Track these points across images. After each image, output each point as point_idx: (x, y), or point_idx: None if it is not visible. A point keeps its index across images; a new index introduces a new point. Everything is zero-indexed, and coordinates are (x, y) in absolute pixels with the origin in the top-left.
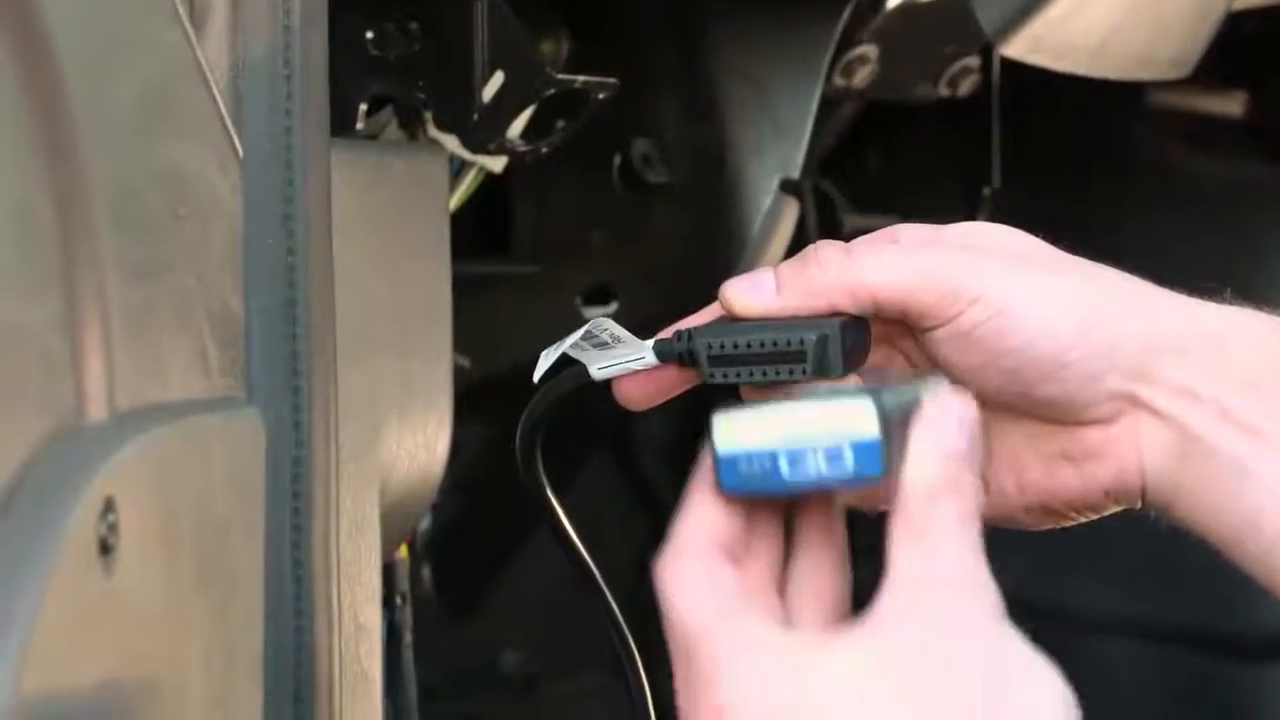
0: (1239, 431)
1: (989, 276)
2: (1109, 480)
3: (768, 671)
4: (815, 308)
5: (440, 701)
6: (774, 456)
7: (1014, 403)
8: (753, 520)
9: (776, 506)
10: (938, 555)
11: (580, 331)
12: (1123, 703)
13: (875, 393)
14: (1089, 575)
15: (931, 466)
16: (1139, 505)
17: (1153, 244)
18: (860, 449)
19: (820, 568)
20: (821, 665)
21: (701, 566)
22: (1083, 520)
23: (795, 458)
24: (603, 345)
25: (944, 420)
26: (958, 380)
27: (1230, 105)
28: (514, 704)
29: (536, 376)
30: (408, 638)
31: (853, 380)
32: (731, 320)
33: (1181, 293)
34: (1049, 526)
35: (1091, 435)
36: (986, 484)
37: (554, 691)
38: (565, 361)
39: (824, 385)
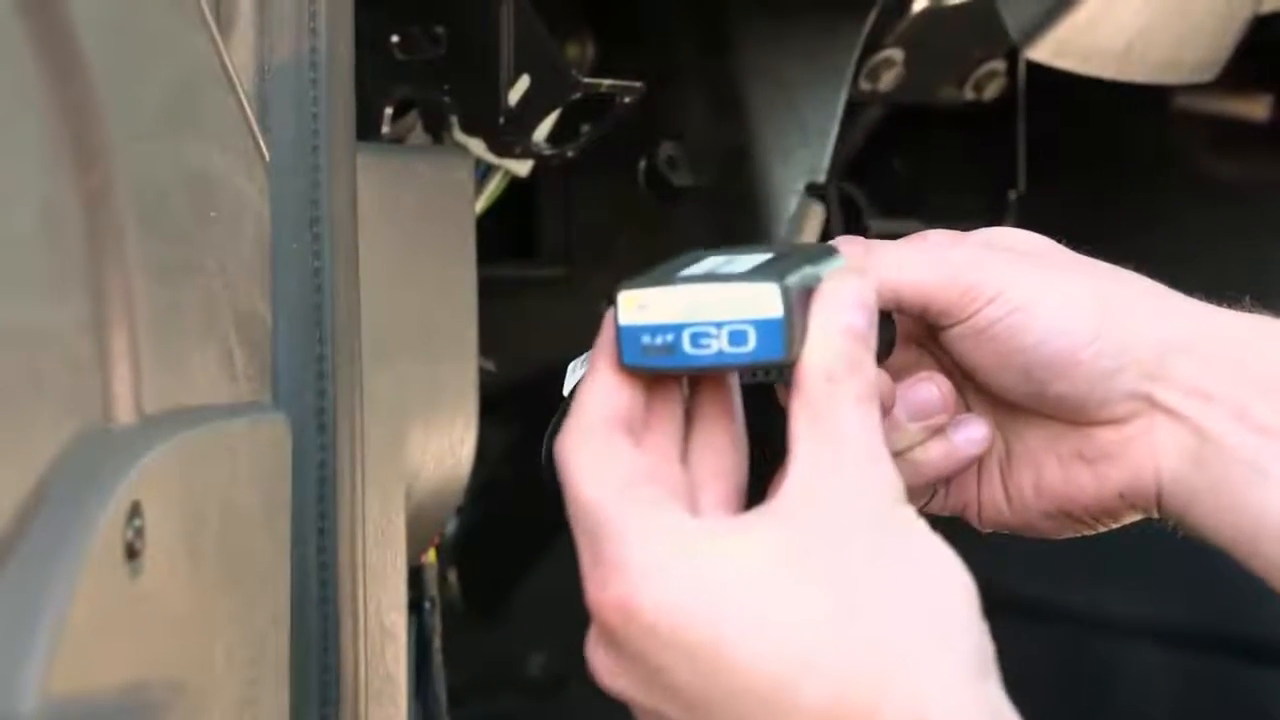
0: (1256, 433)
1: (1006, 275)
2: (1124, 483)
3: (672, 554)
4: None
5: (468, 704)
6: (677, 332)
7: (1030, 402)
8: (653, 395)
9: (676, 381)
10: (837, 437)
11: None
12: (1149, 707)
13: (782, 276)
14: (1117, 580)
15: (830, 348)
16: (1154, 511)
17: (1179, 247)
18: (763, 329)
19: (718, 445)
20: (725, 548)
21: (604, 445)
22: (1102, 529)
23: (698, 335)
24: None
25: (842, 300)
26: (975, 379)
27: (1257, 109)
28: (542, 706)
29: (566, 389)
30: (437, 642)
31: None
32: None
33: (1203, 298)
34: (1070, 534)
35: (1107, 435)
36: (1007, 488)
37: (582, 693)
38: None
39: (739, 260)
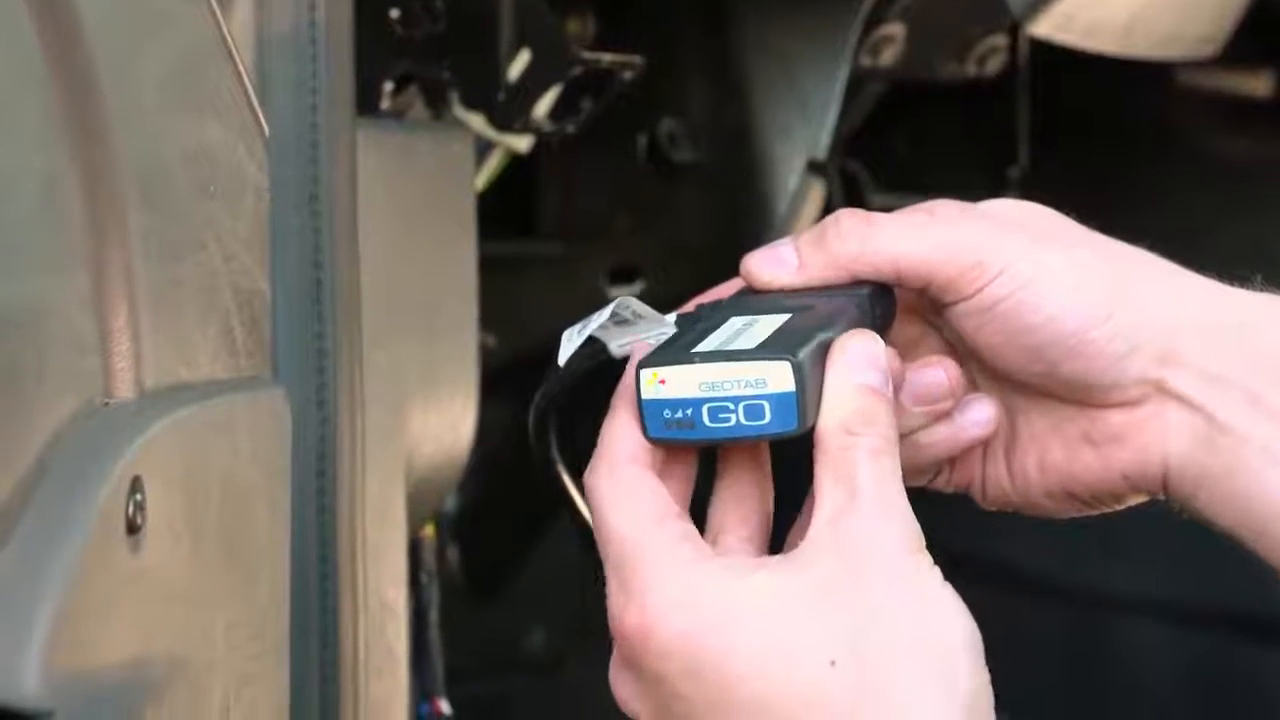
0: (1269, 418)
1: (1013, 251)
2: (1129, 465)
3: (693, 586)
4: (837, 279)
5: (467, 681)
6: (696, 407)
7: (1037, 382)
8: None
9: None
10: (854, 489)
11: (604, 311)
12: (1157, 685)
13: (794, 348)
14: (1125, 559)
15: (846, 405)
16: (1160, 494)
17: (1181, 223)
18: (778, 403)
19: (742, 492)
20: (746, 585)
21: (636, 480)
22: (1104, 509)
23: (716, 410)
24: (624, 323)
25: (855, 360)
26: (980, 358)
27: (1259, 84)
28: (541, 683)
29: (561, 359)
30: (434, 616)
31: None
32: (753, 293)
33: (1210, 276)
34: (1072, 514)
35: (1114, 418)
36: (1010, 467)
37: (581, 670)
38: (589, 343)
39: (758, 324)
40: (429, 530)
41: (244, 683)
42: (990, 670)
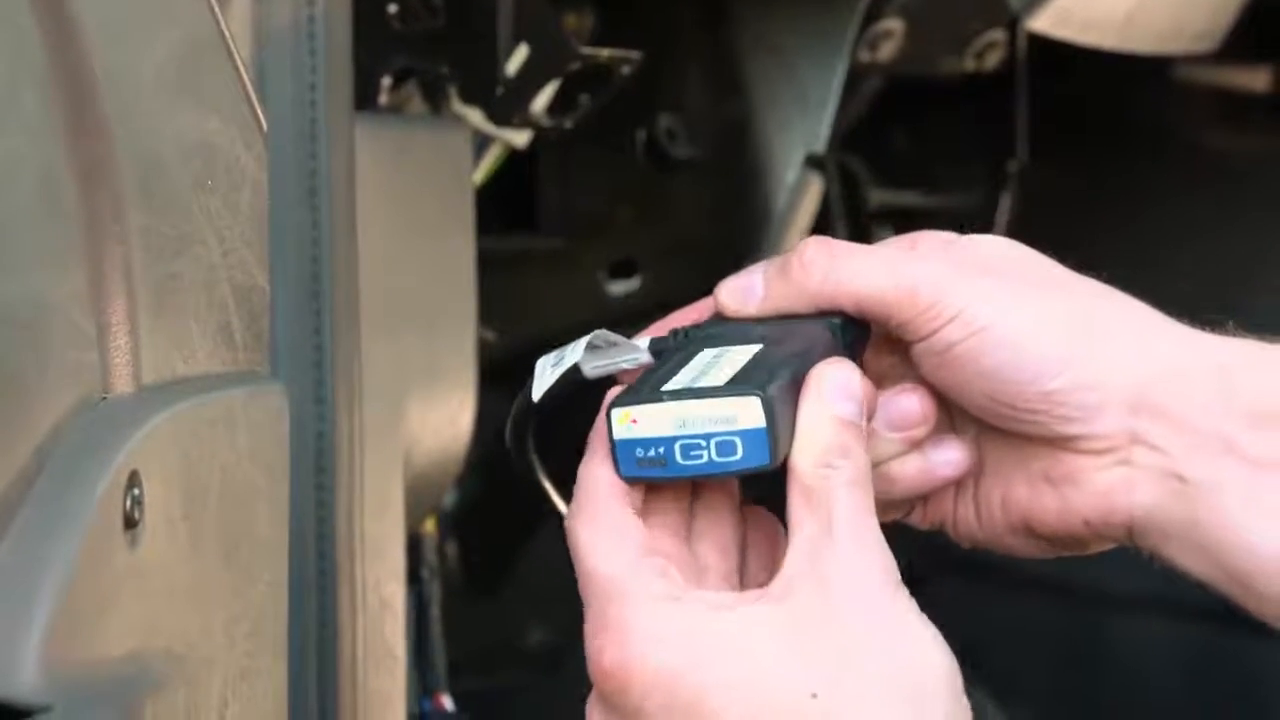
0: (1244, 465)
1: (972, 295)
2: (1090, 510)
3: (671, 622)
4: (802, 310)
5: (467, 677)
6: (669, 445)
7: (1003, 425)
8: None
9: None
10: (829, 522)
11: (579, 342)
12: (1154, 680)
13: (764, 383)
14: (1122, 554)
15: (821, 439)
16: (1126, 542)
17: (1179, 217)
18: (749, 440)
19: (721, 522)
20: (723, 621)
21: (616, 520)
22: (1068, 553)
23: (688, 448)
24: (597, 349)
25: (829, 392)
26: (945, 396)
27: (1257, 80)
28: (541, 679)
29: (535, 390)
30: (435, 611)
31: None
32: (726, 318)
33: (1189, 318)
34: (1038, 555)
35: (1078, 462)
36: (977, 502)
37: (580, 666)
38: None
39: (728, 355)
40: (430, 526)
41: (242, 677)
42: (988, 665)
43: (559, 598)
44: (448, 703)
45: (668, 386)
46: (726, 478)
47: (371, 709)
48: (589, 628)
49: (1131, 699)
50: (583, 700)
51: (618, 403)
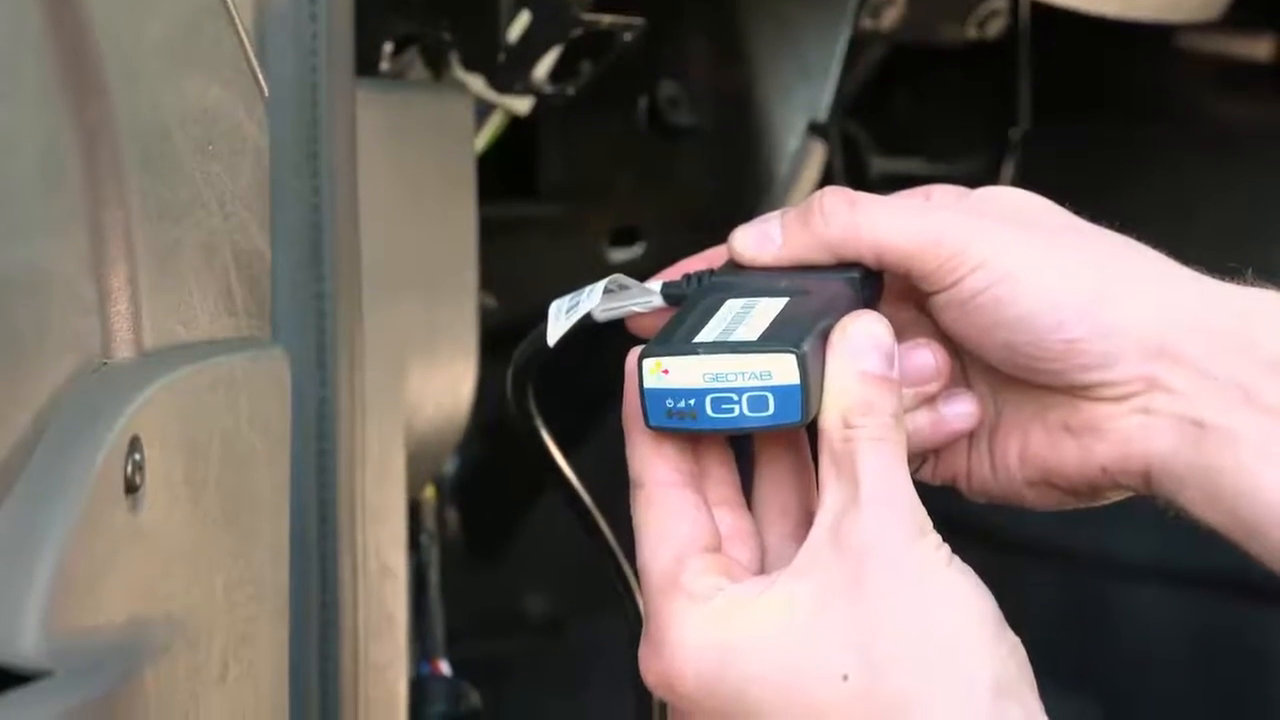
0: (1263, 414)
1: (995, 244)
2: (1109, 459)
3: (703, 629)
4: (821, 260)
5: (466, 643)
6: (700, 397)
7: (1021, 375)
8: (699, 442)
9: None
10: (855, 479)
11: (595, 285)
12: (1156, 648)
13: (798, 339)
14: (1124, 521)
15: (847, 395)
16: (1143, 490)
17: (1181, 185)
18: (781, 396)
19: (781, 479)
20: (751, 616)
21: (669, 504)
22: (1086, 504)
23: (719, 401)
24: (611, 294)
25: (856, 346)
26: (964, 348)
27: (1260, 48)
28: (540, 647)
29: (550, 335)
30: (434, 577)
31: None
32: (742, 266)
33: (1208, 245)
34: (1055, 507)
35: (1098, 410)
36: (993, 455)
37: (580, 634)
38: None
39: (758, 307)
40: (430, 492)
41: (243, 643)
42: None
43: (559, 566)
44: (446, 668)
45: (700, 338)
46: (757, 433)
47: (372, 674)
48: (645, 629)
49: (1132, 664)
50: (581, 668)
51: (649, 352)
